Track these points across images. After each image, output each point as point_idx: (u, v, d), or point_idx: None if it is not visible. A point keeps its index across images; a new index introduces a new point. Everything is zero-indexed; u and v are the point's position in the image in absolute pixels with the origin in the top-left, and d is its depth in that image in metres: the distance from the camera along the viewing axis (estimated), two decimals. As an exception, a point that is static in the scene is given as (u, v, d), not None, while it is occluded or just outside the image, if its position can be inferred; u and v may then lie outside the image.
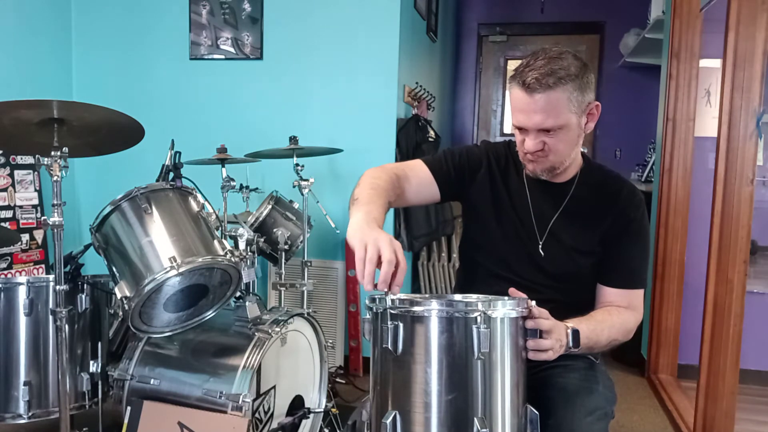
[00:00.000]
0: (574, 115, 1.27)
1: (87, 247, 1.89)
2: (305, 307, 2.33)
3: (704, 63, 2.96)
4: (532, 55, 1.28)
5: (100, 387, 1.93)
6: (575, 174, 1.41)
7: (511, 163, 1.45)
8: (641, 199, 1.40)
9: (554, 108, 1.24)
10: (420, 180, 1.42)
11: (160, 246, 1.67)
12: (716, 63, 2.88)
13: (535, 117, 1.25)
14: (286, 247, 2.37)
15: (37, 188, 2.91)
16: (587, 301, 1.40)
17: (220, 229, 2.00)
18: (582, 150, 1.43)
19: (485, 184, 1.45)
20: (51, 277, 1.88)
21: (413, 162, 1.46)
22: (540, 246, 1.40)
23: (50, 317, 1.86)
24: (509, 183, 1.44)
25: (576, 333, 1.17)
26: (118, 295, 1.66)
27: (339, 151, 2.54)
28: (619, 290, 1.38)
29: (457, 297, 1.23)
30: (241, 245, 2.01)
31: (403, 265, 1.08)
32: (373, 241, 1.08)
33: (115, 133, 1.74)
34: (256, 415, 1.77)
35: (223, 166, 2.29)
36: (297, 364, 2.03)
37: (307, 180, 2.35)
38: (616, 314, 1.34)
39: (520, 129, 1.31)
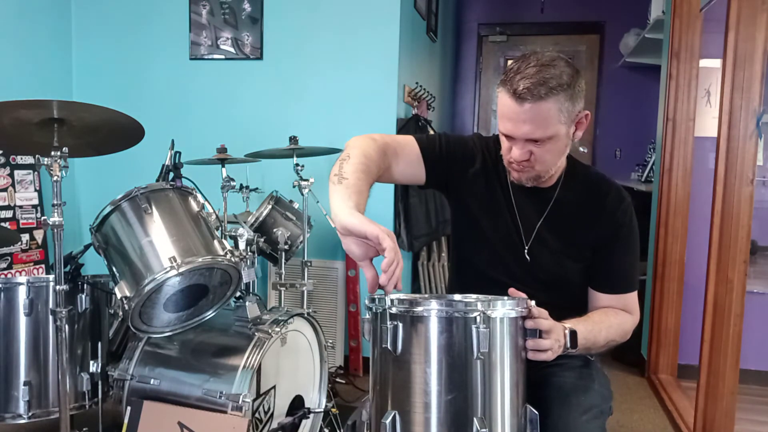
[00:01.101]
0: (563, 125, 1.21)
1: (87, 247, 1.89)
2: (305, 307, 2.33)
3: (704, 63, 2.96)
4: (523, 59, 1.20)
5: (100, 387, 1.93)
6: (559, 177, 1.37)
7: (500, 163, 1.39)
8: (629, 202, 1.37)
9: (544, 119, 1.18)
10: (409, 160, 1.35)
11: (160, 246, 1.67)
12: (716, 63, 2.88)
13: (524, 127, 1.19)
14: (286, 247, 2.37)
15: (37, 188, 2.91)
16: (578, 303, 1.39)
17: (220, 229, 2.00)
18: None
19: (478, 183, 1.40)
20: (51, 277, 1.88)
21: (405, 138, 1.38)
22: (526, 250, 1.38)
23: (50, 317, 1.86)
24: (501, 183, 1.40)
25: (573, 334, 1.17)
26: (118, 295, 1.66)
27: (339, 151, 2.52)
28: (615, 295, 1.37)
29: (457, 297, 1.23)
30: (241, 245, 2.01)
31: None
32: (393, 236, 1.05)
33: (115, 133, 1.74)
34: (256, 415, 1.77)
35: (223, 166, 2.29)
36: (297, 364, 2.03)
37: (307, 180, 2.35)
38: (613, 315, 1.33)
39: (507, 137, 1.26)
